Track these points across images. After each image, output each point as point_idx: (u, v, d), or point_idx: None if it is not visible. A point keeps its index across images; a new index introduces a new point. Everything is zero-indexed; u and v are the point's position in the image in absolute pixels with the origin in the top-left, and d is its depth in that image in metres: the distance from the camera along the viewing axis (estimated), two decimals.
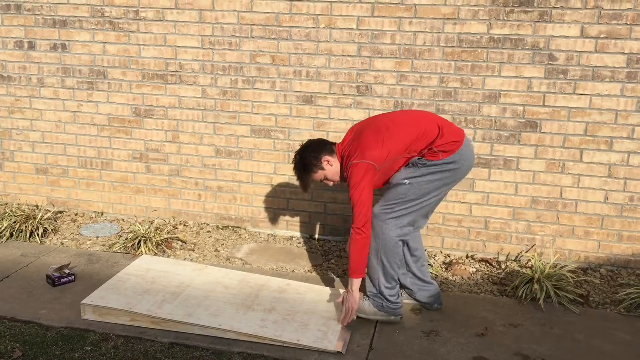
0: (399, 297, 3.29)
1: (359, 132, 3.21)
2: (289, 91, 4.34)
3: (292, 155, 4.38)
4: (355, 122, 4.20)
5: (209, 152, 4.58)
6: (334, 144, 3.33)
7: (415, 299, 3.49)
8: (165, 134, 4.63)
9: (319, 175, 3.29)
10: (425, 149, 3.11)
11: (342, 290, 3.61)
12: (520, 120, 4.04)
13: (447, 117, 4.11)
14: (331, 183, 3.36)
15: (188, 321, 3.11)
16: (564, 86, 3.93)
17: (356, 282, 3.11)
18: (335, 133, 4.30)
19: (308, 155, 3.27)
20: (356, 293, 3.14)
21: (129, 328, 3.15)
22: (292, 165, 3.36)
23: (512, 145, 4.08)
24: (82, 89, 4.66)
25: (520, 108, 4.02)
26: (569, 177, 4.06)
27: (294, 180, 4.44)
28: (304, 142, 3.38)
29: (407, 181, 3.11)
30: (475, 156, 4.12)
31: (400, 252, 3.21)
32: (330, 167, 3.27)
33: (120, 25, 4.47)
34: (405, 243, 3.34)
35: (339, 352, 2.96)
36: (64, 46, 4.60)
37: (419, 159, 3.12)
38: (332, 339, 3.04)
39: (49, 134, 4.81)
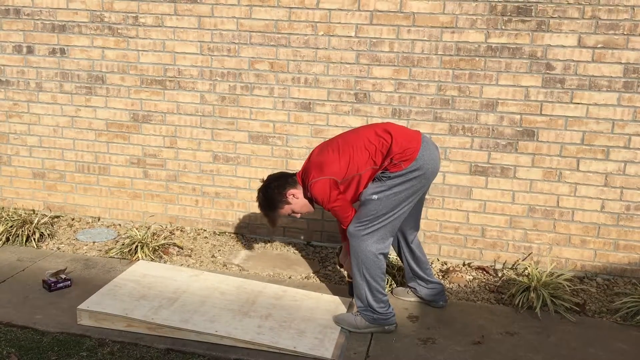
0: (389, 307, 3.26)
1: (316, 155, 3.23)
2: (287, 98, 4.35)
3: (290, 161, 4.42)
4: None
5: (207, 157, 4.59)
6: (295, 174, 3.33)
7: (420, 297, 3.59)
8: (163, 140, 4.63)
9: (285, 210, 3.29)
10: (385, 159, 3.09)
11: (339, 298, 3.61)
12: (518, 129, 4.05)
13: (445, 125, 4.13)
14: (298, 215, 3.35)
15: (184, 327, 3.11)
16: (561, 95, 3.95)
17: (346, 246, 3.31)
18: None
19: (272, 192, 3.26)
20: (343, 254, 3.41)
21: (125, 334, 3.14)
22: (257, 204, 3.36)
23: (510, 153, 4.10)
24: (81, 94, 4.66)
25: (518, 117, 4.04)
26: (565, 185, 4.08)
27: None
28: (264, 179, 3.37)
29: (375, 196, 3.09)
30: (472, 164, 4.15)
31: (382, 265, 3.19)
32: (297, 200, 3.26)
33: (119, 31, 4.48)
34: (402, 255, 3.50)
35: None
36: (62, 51, 4.60)
37: (382, 172, 3.11)
38: (329, 347, 3.04)
39: (47, 138, 4.81)
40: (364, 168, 3.11)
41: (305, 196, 3.27)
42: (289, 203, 3.26)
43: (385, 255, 3.20)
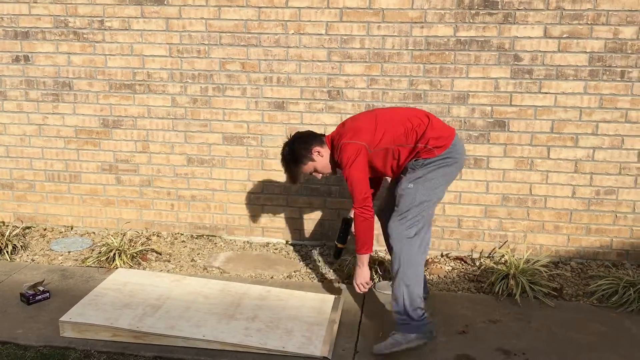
0: (425, 312, 3.06)
1: (349, 121, 3.24)
2: (260, 98, 4.33)
3: (266, 161, 4.41)
4: (328, 127, 4.25)
5: (181, 161, 4.54)
6: (323, 135, 3.31)
7: None
8: (135, 144, 4.56)
9: (308, 167, 3.25)
10: (418, 142, 3.06)
11: (323, 295, 3.63)
12: (489, 120, 4.13)
13: None
14: (320, 175, 3.33)
15: (171, 334, 3.08)
16: (529, 86, 4.04)
17: (365, 258, 3.20)
18: None
19: (298, 147, 3.22)
20: (365, 268, 3.23)
21: (111, 344, 3.09)
22: (281, 158, 3.31)
23: (482, 144, 4.17)
24: (47, 101, 4.56)
25: (489, 108, 4.11)
26: (537, 174, 4.17)
27: (268, 186, 4.46)
28: (292, 135, 3.32)
29: (410, 185, 3.06)
30: None
31: (422, 266, 3.09)
32: (321, 158, 3.23)
33: (85, 36, 4.39)
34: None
35: (325, 357, 2.97)
36: (26, 58, 4.49)
37: (415, 161, 3.08)
38: (318, 344, 3.05)
39: (14, 148, 4.69)
40: (398, 142, 3.08)
41: (331, 159, 3.24)
42: (313, 160, 3.22)
43: (426, 252, 3.09)
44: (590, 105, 4.01)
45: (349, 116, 4.20)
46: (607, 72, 3.94)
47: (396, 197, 3.11)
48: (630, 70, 3.92)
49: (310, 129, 3.59)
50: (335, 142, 3.19)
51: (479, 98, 4.10)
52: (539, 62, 3.99)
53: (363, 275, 3.25)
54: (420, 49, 4.08)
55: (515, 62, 4.01)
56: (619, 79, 3.94)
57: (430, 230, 3.13)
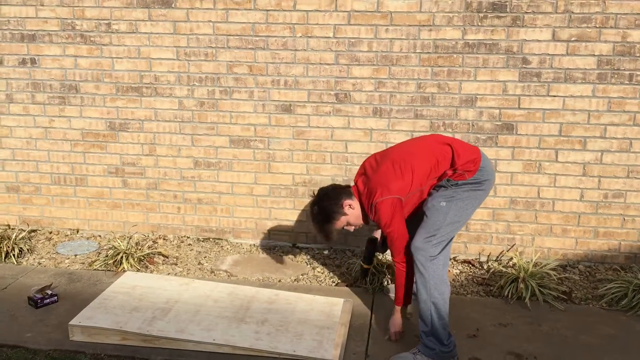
0: (451, 337, 3.01)
1: (375, 169, 3.07)
2: (267, 101, 4.33)
3: (272, 164, 4.40)
4: (335, 129, 4.24)
5: (188, 164, 4.53)
6: (349, 186, 3.20)
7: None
8: (141, 147, 4.55)
9: (341, 222, 3.12)
10: (449, 170, 2.98)
11: (332, 298, 3.61)
12: (497, 123, 4.12)
13: (426, 122, 4.17)
14: (352, 228, 3.19)
15: (181, 337, 3.07)
16: (538, 89, 4.04)
17: (398, 308, 3.19)
18: (316, 141, 4.31)
19: (328, 203, 3.10)
20: (397, 315, 3.19)
21: (121, 347, 3.08)
22: (311, 218, 3.20)
23: (490, 147, 4.16)
24: (54, 104, 4.55)
25: (497, 111, 4.11)
26: (545, 177, 4.17)
27: (275, 189, 4.45)
28: (317, 192, 3.21)
29: (443, 203, 2.94)
30: None
31: (448, 283, 3.00)
32: (353, 211, 3.11)
33: (92, 39, 4.39)
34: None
35: None
36: (33, 61, 4.49)
37: (447, 180, 2.99)
38: (329, 348, 3.04)
39: (20, 151, 4.68)
40: (427, 182, 2.99)
41: (362, 209, 3.11)
42: (345, 214, 3.09)
43: (447, 266, 3.05)
44: (598, 108, 4.01)
45: (356, 120, 4.22)
46: (616, 75, 3.94)
47: (425, 211, 3.00)
48: (638, 73, 3.92)
49: (335, 183, 3.37)
50: (364, 195, 3.06)
51: (487, 101, 4.09)
52: (547, 65, 3.99)
53: (393, 323, 3.20)
54: (428, 52, 4.07)
55: (524, 65, 4.01)
56: (628, 82, 3.94)
57: (451, 244, 3.08)
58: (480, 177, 2.99)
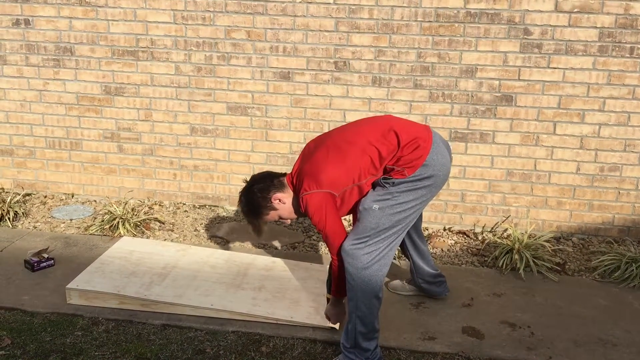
0: (377, 348, 2.72)
1: (308, 156, 2.75)
2: (265, 67, 4.28)
3: (270, 132, 4.38)
4: (334, 98, 4.21)
5: (184, 130, 4.50)
6: (284, 175, 2.86)
7: (421, 289, 3.31)
8: (137, 113, 4.51)
9: (271, 216, 2.83)
10: (388, 165, 2.66)
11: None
12: (496, 95, 4.11)
13: (425, 92, 4.15)
14: (288, 221, 2.92)
15: (179, 302, 3.08)
16: (538, 60, 4.01)
17: (336, 300, 2.85)
18: (314, 109, 4.28)
19: (255, 197, 2.79)
20: (331, 305, 2.87)
21: (118, 311, 3.09)
22: (239, 208, 2.92)
23: (488, 119, 4.15)
24: (48, 67, 4.48)
25: (496, 82, 4.09)
26: (542, 149, 4.17)
27: (272, 157, 4.44)
28: (248, 180, 2.89)
29: (376, 206, 2.62)
30: (452, 130, 4.20)
31: (381, 295, 2.67)
32: (284, 205, 2.80)
33: (87, 0, 4.30)
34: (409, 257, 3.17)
35: (332, 327, 2.99)
36: (27, 22, 4.40)
37: (385, 179, 2.66)
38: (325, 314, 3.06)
39: (14, 114, 4.62)
40: (365, 177, 2.66)
41: (296, 202, 2.78)
42: (274, 209, 2.80)
43: (386, 271, 2.68)
44: (598, 81, 4.00)
45: (355, 88, 4.19)
46: (617, 48, 3.92)
47: (358, 212, 2.70)
48: (639, 46, 3.90)
49: (268, 170, 3.07)
50: (296, 185, 2.74)
51: (487, 72, 4.07)
52: (548, 36, 3.96)
53: (330, 314, 2.89)
54: (429, 21, 4.03)
55: (525, 36, 3.97)
56: (628, 55, 3.93)
57: (399, 243, 2.73)
58: (422, 174, 2.63)
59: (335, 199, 2.63)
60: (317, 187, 2.60)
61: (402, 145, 2.63)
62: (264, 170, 3.00)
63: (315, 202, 2.60)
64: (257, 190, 2.79)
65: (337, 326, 3.01)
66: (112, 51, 4.39)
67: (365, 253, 2.60)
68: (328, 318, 2.93)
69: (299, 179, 2.70)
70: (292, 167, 2.87)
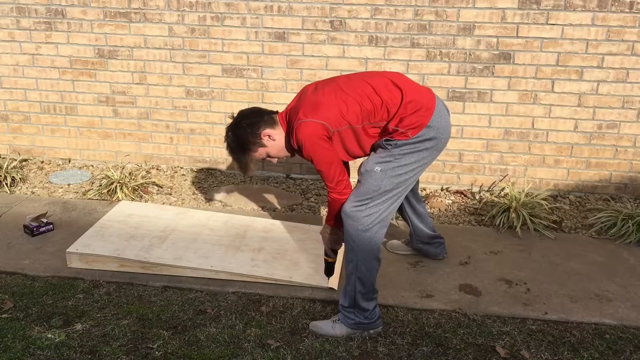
0: (377, 308, 2.73)
1: (309, 92, 2.69)
2: (260, 28, 4.22)
3: (266, 94, 4.34)
4: (330, 58, 4.17)
5: (179, 93, 4.46)
6: (276, 112, 2.79)
7: (418, 250, 3.35)
8: (132, 76, 4.46)
9: (259, 153, 2.73)
10: (389, 122, 2.60)
11: None
12: (494, 52, 4.06)
13: (422, 51, 4.10)
14: (276, 160, 2.84)
15: (179, 264, 3.11)
16: (537, 16, 3.96)
17: (332, 228, 2.78)
18: (310, 70, 4.24)
19: (244, 132, 2.68)
20: (325, 230, 2.82)
21: (118, 274, 3.12)
22: (225, 145, 2.79)
23: (486, 77, 4.12)
24: (40, 30, 4.42)
25: (494, 40, 4.04)
26: (540, 107, 4.15)
27: None
28: (235, 115, 2.76)
29: (378, 168, 2.59)
30: (450, 90, 4.17)
31: (380, 256, 2.67)
32: (273, 142, 2.71)
33: None
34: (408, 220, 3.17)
35: (331, 288, 3.02)
36: None
37: (387, 140, 2.62)
38: (324, 275, 3.09)
39: (7, 78, 4.57)
40: (364, 120, 2.59)
41: (287, 140, 2.72)
42: (263, 145, 2.70)
43: (384, 231, 2.66)
44: (597, 37, 3.95)
45: (351, 48, 4.14)
46: (616, 3, 3.86)
47: (359, 174, 2.66)
48: (639, 1, 3.84)
49: (259, 106, 2.93)
50: (290, 120, 2.66)
51: (485, 29, 4.02)
52: None
53: (325, 239, 2.84)
54: None
55: None
56: (628, 10, 3.87)
57: (397, 206, 2.70)
58: (425, 135, 2.59)
59: (328, 132, 2.56)
60: (312, 117, 2.54)
61: (405, 102, 2.58)
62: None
63: (306, 129, 2.54)
64: (246, 126, 2.69)
65: (335, 286, 3.04)
66: (104, 13, 4.32)
67: (365, 215, 2.58)
68: (326, 251, 2.86)
69: (294, 111, 2.64)
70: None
